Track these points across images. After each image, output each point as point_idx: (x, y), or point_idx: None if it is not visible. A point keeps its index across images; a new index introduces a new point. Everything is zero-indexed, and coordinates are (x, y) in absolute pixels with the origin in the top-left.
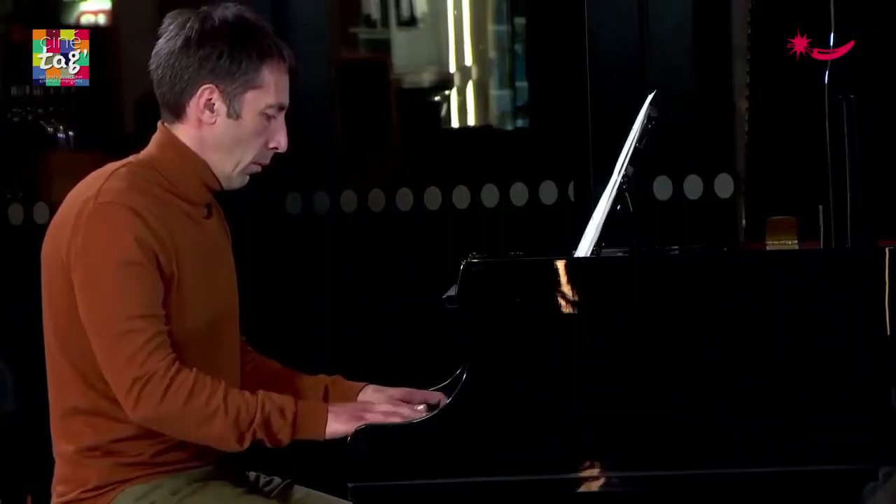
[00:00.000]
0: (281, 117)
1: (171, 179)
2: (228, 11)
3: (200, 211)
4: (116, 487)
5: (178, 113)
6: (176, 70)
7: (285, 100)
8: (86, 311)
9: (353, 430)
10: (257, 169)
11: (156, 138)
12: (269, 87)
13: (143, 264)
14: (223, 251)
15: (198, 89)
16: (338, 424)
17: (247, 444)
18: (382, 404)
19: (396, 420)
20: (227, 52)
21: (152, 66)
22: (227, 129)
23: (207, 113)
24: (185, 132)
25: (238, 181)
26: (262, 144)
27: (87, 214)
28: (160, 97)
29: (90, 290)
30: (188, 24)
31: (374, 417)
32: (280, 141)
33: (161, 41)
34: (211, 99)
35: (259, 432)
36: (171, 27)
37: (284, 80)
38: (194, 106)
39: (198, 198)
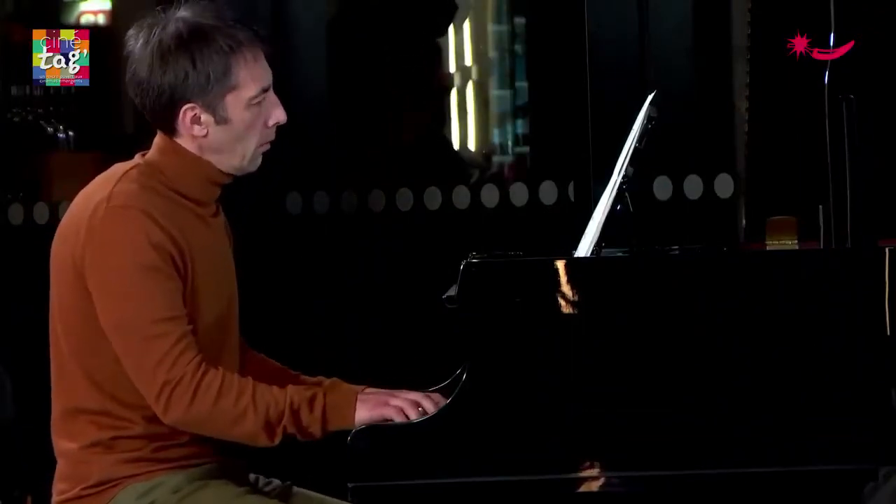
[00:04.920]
0: (270, 95)
1: (176, 182)
2: (178, 21)
3: (209, 210)
4: (117, 484)
5: (170, 131)
6: (151, 97)
7: (266, 81)
8: (109, 316)
9: (379, 417)
10: (267, 148)
11: (156, 144)
12: (246, 82)
13: (161, 267)
14: (227, 250)
15: (179, 111)
16: (364, 412)
17: (278, 440)
18: (411, 392)
19: (412, 414)
20: (192, 68)
21: (131, 95)
22: (221, 133)
23: (196, 127)
24: (183, 142)
25: (252, 166)
26: (262, 127)
27: (101, 218)
28: (149, 120)
29: (111, 295)
30: (149, 46)
31: (392, 411)
32: (277, 116)
33: (130, 69)
34: (195, 114)
35: (289, 427)
36: (136, 50)
37: (258, 65)
38: (182, 124)
39: (205, 197)
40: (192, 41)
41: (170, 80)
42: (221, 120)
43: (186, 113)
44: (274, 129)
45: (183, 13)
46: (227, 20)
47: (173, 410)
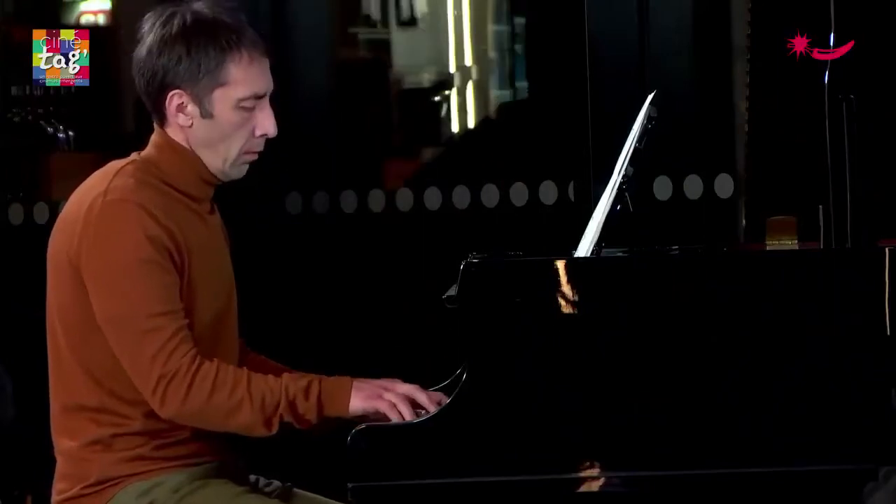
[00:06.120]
0: (263, 104)
1: (171, 177)
2: (188, 11)
3: (204, 206)
4: (117, 483)
5: (160, 117)
6: (146, 78)
7: (261, 88)
8: (104, 310)
9: (372, 409)
10: (252, 157)
11: (153, 139)
12: (237, 82)
13: (158, 261)
14: (224, 247)
15: (167, 95)
16: (358, 401)
17: (275, 429)
18: (405, 385)
19: (405, 410)
20: (186, 55)
21: (134, 74)
22: (205, 128)
23: (182, 116)
24: (173, 133)
25: (235, 172)
26: (249, 134)
27: (97, 212)
28: (145, 104)
29: (107, 289)
30: (154, 29)
31: (385, 404)
32: (266, 127)
33: (136, 49)
34: (182, 102)
35: (286, 416)
36: (144, 32)
37: (255, 69)
38: (168, 111)
39: (199, 193)
40: (192, 31)
41: (163, 63)
42: (206, 114)
43: (173, 99)
44: (262, 141)
45: (198, 6)
46: (239, 21)
47: (169, 404)
